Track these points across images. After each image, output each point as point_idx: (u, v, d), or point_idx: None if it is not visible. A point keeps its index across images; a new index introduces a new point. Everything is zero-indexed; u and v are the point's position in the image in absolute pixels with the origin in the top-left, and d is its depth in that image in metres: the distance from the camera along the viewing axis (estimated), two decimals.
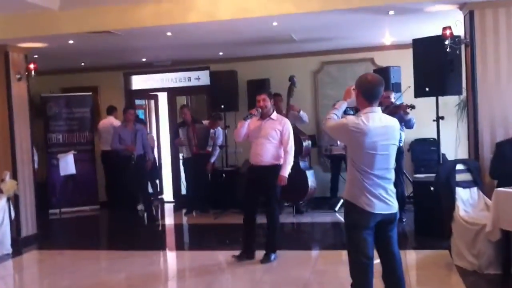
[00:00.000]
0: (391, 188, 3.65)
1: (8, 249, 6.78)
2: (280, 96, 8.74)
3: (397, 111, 6.90)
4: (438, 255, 5.92)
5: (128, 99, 10.55)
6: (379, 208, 3.57)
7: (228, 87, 9.45)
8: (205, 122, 9.35)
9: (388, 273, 3.77)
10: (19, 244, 7.18)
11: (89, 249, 7.05)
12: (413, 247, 6.53)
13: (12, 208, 6.94)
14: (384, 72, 8.16)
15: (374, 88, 3.60)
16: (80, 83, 10.44)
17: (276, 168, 5.81)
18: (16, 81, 7.36)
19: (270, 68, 9.74)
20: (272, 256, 5.93)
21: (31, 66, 7.40)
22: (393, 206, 3.65)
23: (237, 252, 6.00)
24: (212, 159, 9.24)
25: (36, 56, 8.40)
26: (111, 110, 9.88)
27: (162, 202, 10.88)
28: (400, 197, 7.90)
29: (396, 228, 3.76)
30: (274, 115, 5.92)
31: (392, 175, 3.64)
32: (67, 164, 8.21)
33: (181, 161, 9.82)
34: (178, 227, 8.90)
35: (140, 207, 9.25)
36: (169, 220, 9.42)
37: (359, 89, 3.64)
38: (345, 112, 3.97)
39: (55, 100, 9.89)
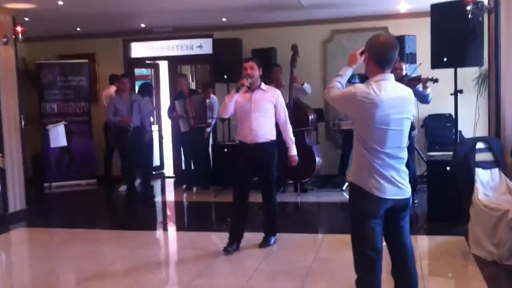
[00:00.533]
0: (404, 169, 3.15)
1: None
2: (279, 66, 8.20)
3: (414, 84, 6.31)
4: (453, 242, 5.42)
5: (127, 68, 10.03)
6: (390, 193, 3.07)
7: (232, 56, 8.93)
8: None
9: (398, 268, 3.27)
10: (6, 221, 6.77)
11: (79, 227, 6.59)
12: (425, 232, 6.05)
13: None
14: (398, 41, 7.55)
15: (388, 52, 3.05)
16: (77, 50, 9.91)
17: (273, 146, 5.26)
18: (2, 45, 6.85)
19: (276, 36, 9.16)
20: (272, 240, 5.48)
21: (18, 28, 6.88)
22: (406, 191, 3.15)
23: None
24: (208, 129, 8.80)
25: (27, 19, 7.90)
26: (113, 79, 9.38)
27: (163, 177, 10.43)
28: (411, 177, 7.47)
29: (408, 216, 3.26)
30: (264, 85, 5.28)
31: (405, 154, 3.14)
32: (58, 136, 7.74)
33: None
34: (175, 204, 8.42)
35: (137, 182, 8.81)
36: (167, 196, 8.96)
37: (370, 53, 3.10)
38: (349, 81, 3.46)
39: (50, 68, 9.39)
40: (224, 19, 8.84)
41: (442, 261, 4.98)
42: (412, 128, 6.01)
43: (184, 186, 8.88)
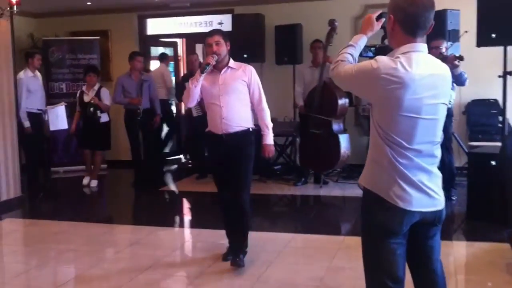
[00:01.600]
0: (436, 171, 2.37)
1: None
2: (320, 42, 7.33)
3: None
4: (496, 251, 4.58)
5: (142, 46, 9.35)
6: (418, 204, 2.29)
7: (253, 33, 8.17)
8: None
9: None
10: None
11: (74, 220, 5.97)
12: (463, 235, 5.20)
13: None
14: (439, 16, 6.56)
15: (420, 12, 2.26)
16: (89, 26, 9.27)
17: (249, 134, 4.26)
18: None
19: (302, 12, 8.31)
20: (242, 258, 4.34)
21: (13, 0, 6.24)
22: (439, 200, 2.36)
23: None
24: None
25: None
26: (162, 57, 8.81)
27: (180, 163, 9.77)
28: (447, 170, 6.68)
29: (439, 233, 2.46)
30: (232, 62, 4.27)
31: (439, 152, 2.37)
32: (57, 118, 7.12)
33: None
34: (183, 195, 7.67)
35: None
36: (177, 186, 8.23)
37: (394, 15, 2.31)
38: (361, 55, 2.66)
39: (58, 45, 8.79)
40: None
41: (481, 276, 4.14)
42: (448, 114, 5.12)
43: (196, 175, 8.18)
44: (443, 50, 5.98)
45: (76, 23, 9.38)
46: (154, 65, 9.72)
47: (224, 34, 4.24)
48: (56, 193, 7.91)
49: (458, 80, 5.75)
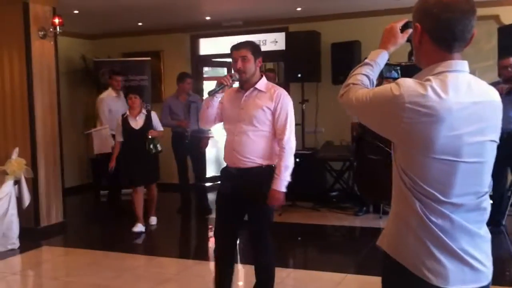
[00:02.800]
0: (485, 233, 1.75)
1: (14, 243, 5.57)
2: None
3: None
4: None
5: (195, 66, 9.07)
6: (458, 279, 1.68)
7: (308, 51, 7.71)
8: None
9: None
10: (36, 236, 5.99)
11: (111, 250, 5.64)
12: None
13: (26, 193, 5.72)
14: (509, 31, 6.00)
15: (457, 20, 1.67)
16: (141, 47, 9.09)
17: (266, 173, 3.45)
18: (38, 39, 6.09)
19: (360, 28, 7.76)
20: None
21: (56, 20, 6.07)
22: (485, 273, 1.74)
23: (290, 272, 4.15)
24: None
25: (76, 11, 7.16)
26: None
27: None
28: (498, 197, 5.89)
29: None
30: (263, 83, 3.49)
31: (487, 205, 1.75)
32: (101, 141, 6.88)
33: None
34: None
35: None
36: None
37: (423, 24, 1.72)
38: (382, 77, 2.11)
39: (109, 66, 8.62)
40: (298, 8, 7.60)
41: None
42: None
43: None
44: None
45: (128, 44, 9.25)
46: (208, 86, 9.42)
47: (255, 49, 3.52)
48: (104, 217, 7.65)
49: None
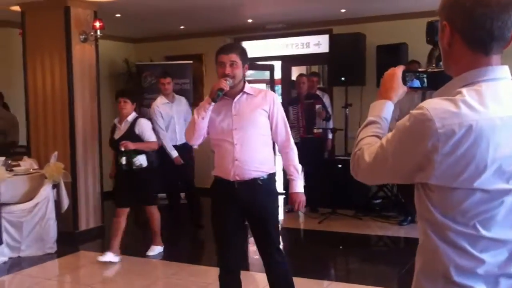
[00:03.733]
0: None
1: (52, 248, 5.57)
2: (416, 63, 6.51)
3: None
4: None
5: None
6: None
7: (353, 54, 7.47)
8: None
9: None
10: (75, 240, 5.99)
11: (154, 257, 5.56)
12: None
13: (64, 197, 5.72)
14: None
15: (495, 16, 1.36)
16: (184, 50, 9.05)
17: (271, 182, 3.32)
18: (80, 43, 6.09)
19: (407, 29, 7.45)
20: None
21: (97, 24, 6.06)
22: None
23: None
24: (329, 135, 7.46)
25: (118, 15, 7.16)
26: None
27: None
28: None
29: None
30: (249, 87, 3.34)
31: None
32: None
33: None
34: None
35: None
36: None
37: (453, 23, 1.42)
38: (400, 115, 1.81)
39: (151, 70, 8.61)
40: (343, 10, 7.37)
41: None
42: None
43: (288, 207, 7.53)
44: None
45: (171, 47, 9.22)
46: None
47: (244, 54, 3.32)
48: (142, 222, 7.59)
49: None
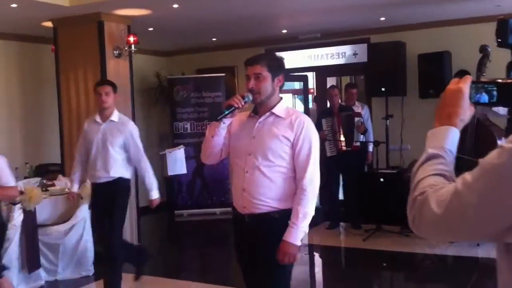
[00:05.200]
0: None
1: (88, 270, 5.37)
2: (467, 73, 6.19)
3: None
4: None
5: None
6: None
7: (393, 63, 7.21)
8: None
9: None
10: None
11: (192, 279, 5.32)
12: None
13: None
14: None
15: None
16: (215, 63, 8.88)
17: (287, 220, 2.73)
18: (114, 58, 5.94)
19: (450, 37, 7.17)
20: None
21: (131, 38, 5.90)
22: None
23: None
24: (370, 148, 7.20)
25: (151, 29, 7.00)
26: None
27: None
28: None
29: None
30: (281, 107, 2.81)
31: None
32: (176, 162, 6.65)
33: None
34: (312, 249, 6.75)
35: None
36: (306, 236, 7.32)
37: None
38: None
39: (183, 83, 8.44)
40: (382, 18, 7.11)
41: None
42: None
43: (327, 224, 7.25)
44: None
45: (202, 60, 9.06)
46: (286, 100, 9.06)
47: (274, 64, 2.83)
48: (180, 239, 7.40)
49: None
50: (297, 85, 10.44)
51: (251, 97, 2.71)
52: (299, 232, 2.69)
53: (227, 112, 2.69)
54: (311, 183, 2.71)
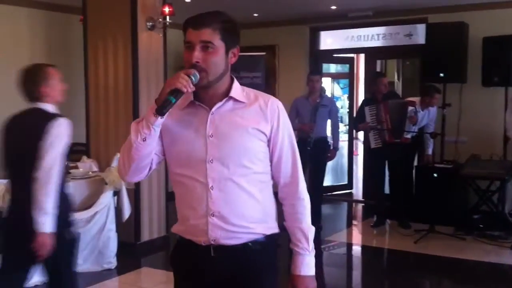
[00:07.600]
0: None
1: (111, 262, 4.88)
2: None
3: None
4: None
5: (313, 62, 8.07)
6: None
7: (453, 47, 6.49)
8: (414, 98, 6.48)
9: None
10: (136, 253, 5.32)
11: None
12: None
13: (127, 204, 5.04)
14: None
15: None
16: (255, 41, 8.23)
17: (271, 247, 1.98)
18: (146, 31, 5.39)
19: None
20: None
21: (166, 9, 5.33)
22: None
23: None
24: (429, 151, 6.60)
25: (188, 0, 6.43)
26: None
27: (350, 200, 8.27)
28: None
29: None
30: (238, 89, 1.93)
31: None
32: None
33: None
34: (352, 249, 6.13)
35: None
36: (349, 235, 6.69)
37: None
38: None
39: None
40: None
41: None
42: None
43: (373, 222, 6.62)
44: None
45: (242, 37, 8.18)
46: (327, 84, 8.43)
47: (228, 31, 1.93)
48: None
49: None
50: (334, 68, 9.79)
51: (196, 78, 1.80)
52: (309, 259, 1.98)
53: (174, 101, 1.77)
54: (304, 188, 2.00)
